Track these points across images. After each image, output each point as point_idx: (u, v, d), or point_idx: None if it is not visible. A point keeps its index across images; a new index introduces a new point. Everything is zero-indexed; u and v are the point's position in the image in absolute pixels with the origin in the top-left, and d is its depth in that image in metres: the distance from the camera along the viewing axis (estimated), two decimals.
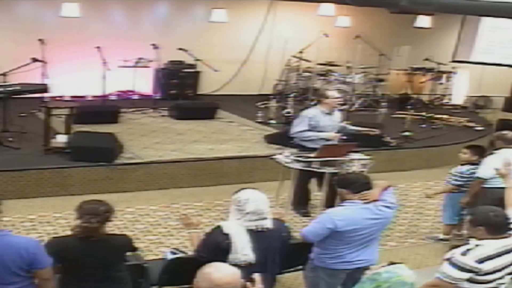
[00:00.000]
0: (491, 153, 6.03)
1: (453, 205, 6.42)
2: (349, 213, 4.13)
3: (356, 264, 4.20)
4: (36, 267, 3.35)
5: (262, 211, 3.74)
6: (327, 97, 6.75)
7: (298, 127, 6.74)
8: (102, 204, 3.71)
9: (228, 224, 3.76)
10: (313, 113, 6.75)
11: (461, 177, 6.30)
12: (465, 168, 6.30)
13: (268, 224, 3.78)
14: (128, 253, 4.02)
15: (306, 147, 6.66)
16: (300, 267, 4.95)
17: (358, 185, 4.21)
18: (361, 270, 4.27)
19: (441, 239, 6.55)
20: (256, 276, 3.10)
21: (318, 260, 4.29)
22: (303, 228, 4.42)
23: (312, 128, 6.68)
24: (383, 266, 3.25)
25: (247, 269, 3.32)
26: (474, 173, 6.12)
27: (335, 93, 6.91)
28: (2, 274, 3.26)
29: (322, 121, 6.71)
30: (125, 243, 3.88)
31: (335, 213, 4.16)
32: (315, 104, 7.01)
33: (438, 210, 7.50)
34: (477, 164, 6.13)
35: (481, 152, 6.29)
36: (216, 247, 3.67)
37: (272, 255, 3.86)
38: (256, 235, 3.72)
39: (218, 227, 3.78)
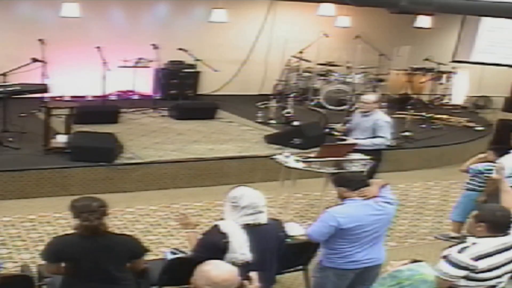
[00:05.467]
0: (508, 153, 5.94)
1: (466, 203, 6.36)
2: (350, 210, 4.13)
3: (365, 263, 4.20)
4: None
5: (257, 205, 3.76)
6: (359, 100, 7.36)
7: None
8: (94, 200, 3.63)
9: (225, 223, 3.76)
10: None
11: (479, 174, 6.27)
12: (481, 166, 6.25)
13: (264, 219, 3.80)
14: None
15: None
16: (300, 267, 4.97)
17: (356, 182, 4.24)
18: (370, 269, 4.25)
19: (452, 237, 6.39)
20: (253, 274, 3.11)
21: (327, 260, 4.27)
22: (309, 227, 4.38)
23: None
24: (405, 264, 3.24)
25: (244, 268, 3.32)
26: (491, 171, 6.03)
27: (365, 97, 7.10)
28: None
29: (355, 120, 7.11)
30: (128, 242, 3.81)
31: (337, 211, 4.15)
32: None
33: (438, 210, 7.54)
34: (494, 163, 5.99)
35: (502, 153, 6.15)
36: (213, 246, 3.66)
37: (270, 254, 3.86)
38: (253, 230, 3.72)
39: (215, 226, 3.78)
